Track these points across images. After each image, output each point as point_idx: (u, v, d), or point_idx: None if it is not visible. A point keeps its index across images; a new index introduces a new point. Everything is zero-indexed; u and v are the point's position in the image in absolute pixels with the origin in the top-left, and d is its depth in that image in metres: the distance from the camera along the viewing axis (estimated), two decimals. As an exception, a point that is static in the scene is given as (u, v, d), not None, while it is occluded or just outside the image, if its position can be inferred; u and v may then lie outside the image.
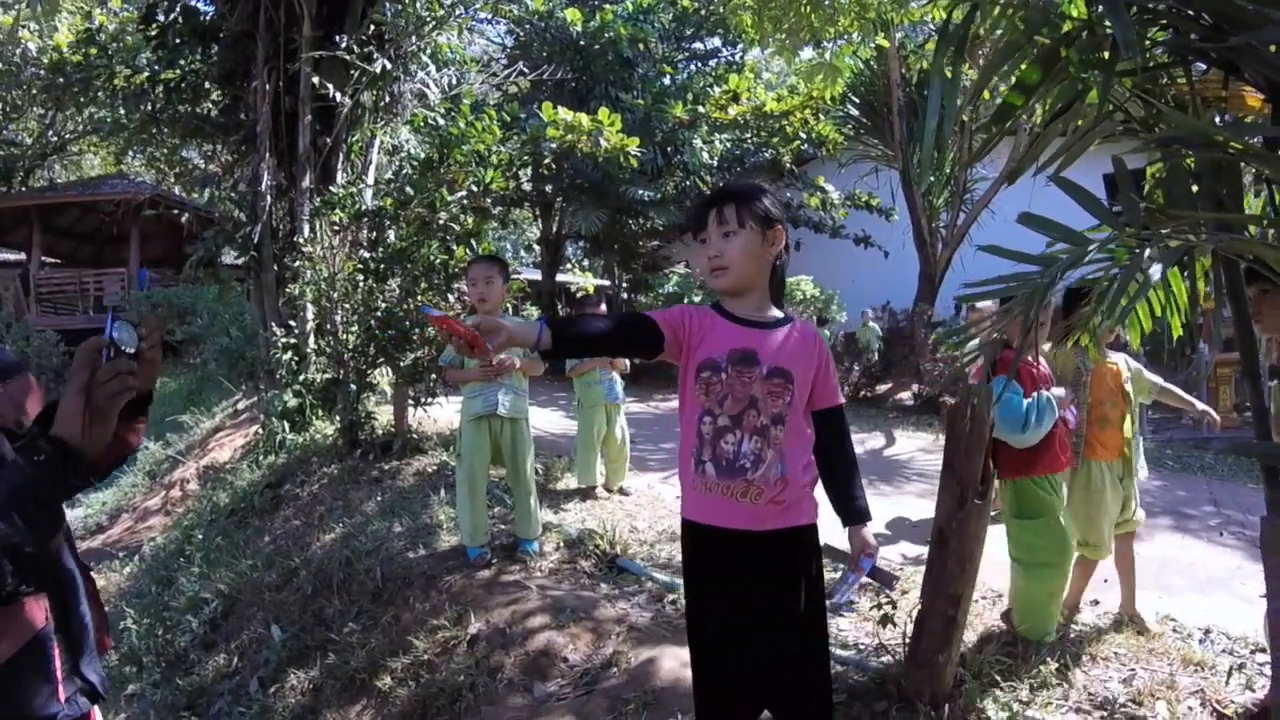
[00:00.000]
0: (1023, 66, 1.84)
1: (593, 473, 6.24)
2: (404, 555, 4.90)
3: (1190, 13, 1.80)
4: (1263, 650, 3.52)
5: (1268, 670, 3.12)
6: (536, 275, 19.74)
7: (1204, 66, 2.15)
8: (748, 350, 2.23)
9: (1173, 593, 4.54)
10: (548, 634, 3.78)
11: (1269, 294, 2.82)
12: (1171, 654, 3.52)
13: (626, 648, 3.64)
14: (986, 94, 2.24)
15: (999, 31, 2.13)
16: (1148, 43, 2.07)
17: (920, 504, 6.49)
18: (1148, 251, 1.53)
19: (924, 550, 5.06)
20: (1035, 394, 3.41)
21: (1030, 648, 3.48)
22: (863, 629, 3.82)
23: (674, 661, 3.50)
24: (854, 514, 2.33)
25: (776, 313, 2.34)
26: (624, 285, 18.83)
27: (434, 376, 6.88)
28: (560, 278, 19.96)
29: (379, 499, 6.02)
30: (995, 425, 3.18)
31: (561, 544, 4.96)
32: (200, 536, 7.01)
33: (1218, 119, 2.21)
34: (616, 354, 2.44)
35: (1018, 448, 3.42)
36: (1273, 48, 1.70)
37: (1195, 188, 2.03)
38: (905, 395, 12.58)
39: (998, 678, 3.17)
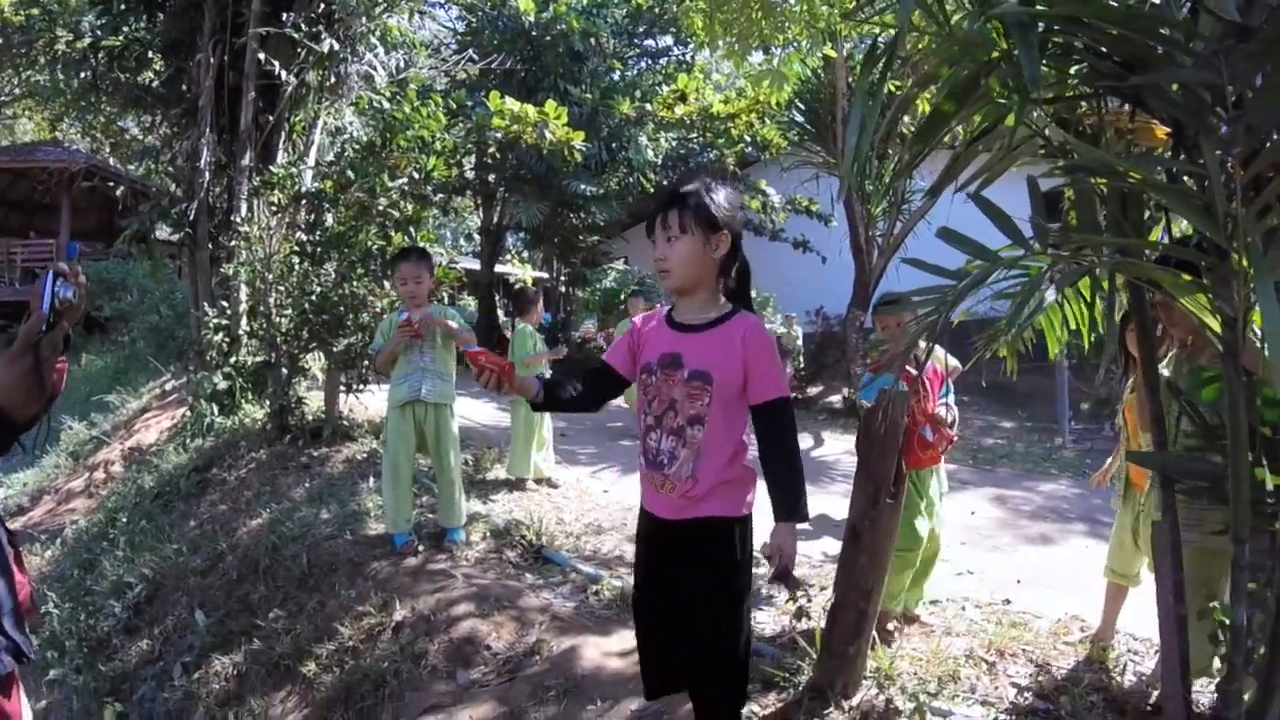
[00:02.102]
0: (944, 95, 1.94)
1: (527, 464, 6.28)
2: (331, 542, 4.89)
3: (1103, 49, 1.92)
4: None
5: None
6: (475, 265, 19.59)
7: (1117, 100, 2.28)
8: (675, 354, 2.36)
9: (1085, 595, 4.71)
10: (472, 622, 3.82)
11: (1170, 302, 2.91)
12: (1078, 652, 3.69)
13: (549, 636, 3.70)
14: (925, 105, 2.35)
15: (932, 47, 2.23)
16: (1069, 74, 2.19)
17: (844, 504, 6.65)
18: (1048, 271, 1.64)
19: (845, 548, 5.24)
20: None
21: (942, 642, 3.63)
22: (780, 622, 3.93)
23: (595, 651, 3.57)
24: (780, 512, 2.35)
25: (715, 312, 2.41)
26: (563, 279, 18.80)
27: (365, 364, 6.83)
28: (499, 268, 19.88)
29: (307, 485, 5.97)
30: None
31: (488, 534, 5.00)
32: (124, 520, 6.87)
33: (1129, 149, 2.34)
34: (597, 406, 2.54)
35: None
36: (1175, 87, 1.82)
37: (1102, 212, 2.16)
38: (835, 399, 12.84)
39: (907, 670, 3.31)
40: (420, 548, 4.70)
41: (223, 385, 7.95)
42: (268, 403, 7.51)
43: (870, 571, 2.93)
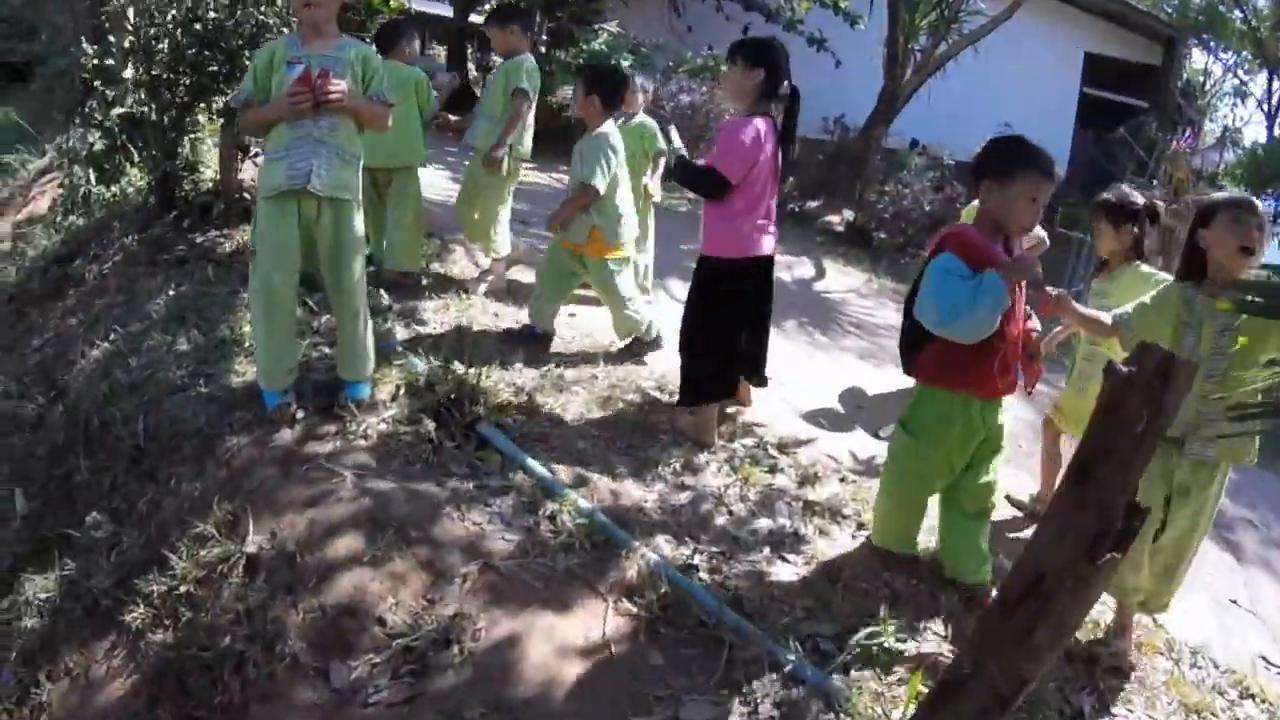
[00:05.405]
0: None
1: (414, 255, 4.87)
2: (178, 397, 3.44)
3: None
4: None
5: None
6: (448, 12, 17.53)
7: None
8: None
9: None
10: (358, 572, 2.50)
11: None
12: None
13: (476, 605, 2.44)
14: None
15: None
16: None
17: (865, 369, 5.33)
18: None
19: (880, 448, 3.86)
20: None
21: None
22: (797, 573, 2.68)
23: (545, 643, 2.32)
24: None
25: None
26: (544, 37, 16.47)
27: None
28: (475, 18, 17.63)
29: (172, 291, 4.42)
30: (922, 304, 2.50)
31: (401, 388, 3.50)
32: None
33: None
34: None
35: (954, 340, 2.48)
36: None
37: None
38: (836, 219, 11.25)
39: None
40: (299, 413, 3.26)
41: (100, 145, 6.10)
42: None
43: (1043, 655, 1.62)
